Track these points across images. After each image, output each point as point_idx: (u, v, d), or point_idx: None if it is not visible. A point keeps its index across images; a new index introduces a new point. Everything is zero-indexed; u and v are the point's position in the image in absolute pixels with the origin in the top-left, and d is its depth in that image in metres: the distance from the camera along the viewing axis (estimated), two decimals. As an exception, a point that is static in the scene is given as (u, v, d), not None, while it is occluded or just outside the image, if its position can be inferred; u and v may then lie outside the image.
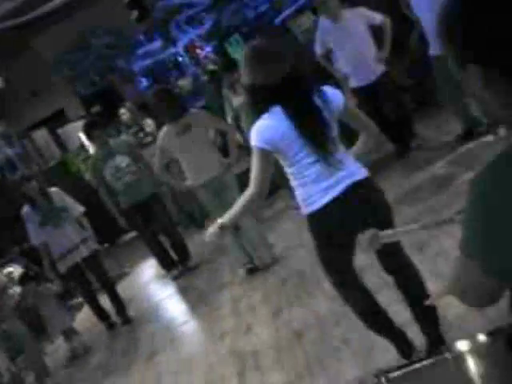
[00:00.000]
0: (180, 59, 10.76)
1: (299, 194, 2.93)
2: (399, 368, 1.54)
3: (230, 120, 6.91)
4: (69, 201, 6.24)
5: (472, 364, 1.47)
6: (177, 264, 6.91)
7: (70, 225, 6.13)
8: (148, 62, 10.38)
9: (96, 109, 10.28)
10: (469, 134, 6.02)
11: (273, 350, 4.17)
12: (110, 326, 6.39)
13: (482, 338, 1.46)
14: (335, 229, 2.93)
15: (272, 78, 2.76)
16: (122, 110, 8.93)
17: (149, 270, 7.81)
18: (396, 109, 6.65)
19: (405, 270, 3.16)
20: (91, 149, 9.36)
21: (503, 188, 1.17)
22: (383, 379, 1.52)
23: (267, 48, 2.87)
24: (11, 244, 8.26)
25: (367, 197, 2.92)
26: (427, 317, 3.14)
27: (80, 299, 7.33)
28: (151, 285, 7.35)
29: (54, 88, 10.20)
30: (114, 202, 6.58)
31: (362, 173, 2.93)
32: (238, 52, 10.10)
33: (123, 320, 6.35)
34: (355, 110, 3.10)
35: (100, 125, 6.74)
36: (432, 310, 3.04)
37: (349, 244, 2.88)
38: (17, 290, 6.83)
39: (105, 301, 6.48)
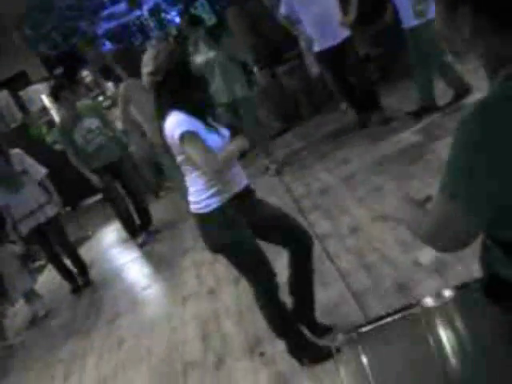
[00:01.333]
0: (145, 22, 10.61)
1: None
2: (369, 323, 1.60)
3: None
4: (30, 162, 6.14)
5: (441, 318, 1.53)
6: (140, 229, 6.91)
7: (31, 187, 6.06)
8: (112, 24, 10.21)
9: (59, 71, 10.09)
10: (425, 110, 6.12)
11: (234, 314, 4.23)
12: (74, 289, 6.38)
13: (448, 292, 1.52)
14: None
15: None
16: (85, 73, 8.80)
17: (111, 234, 7.81)
18: (359, 80, 6.70)
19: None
20: (54, 112, 9.23)
21: (490, 128, 1.22)
22: (354, 334, 1.58)
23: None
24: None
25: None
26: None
27: (42, 262, 7.30)
28: (114, 248, 7.34)
29: (16, 49, 9.97)
30: (84, 163, 6.50)
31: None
32: (203, 16, 10.03)
33: (85, 282, 6.37)
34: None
35: (67, 87, 6.64)
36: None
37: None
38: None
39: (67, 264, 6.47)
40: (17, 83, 10.78)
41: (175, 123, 2.78)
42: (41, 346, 5.55)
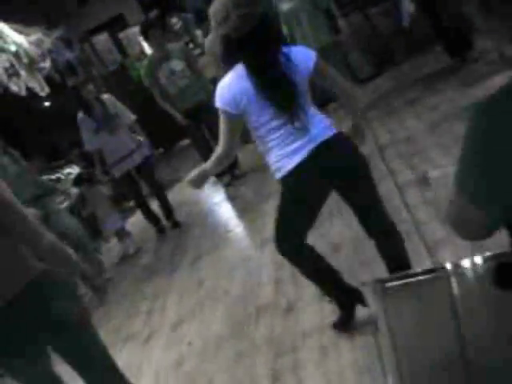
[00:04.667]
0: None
1: (269, 159, 2.85)
2: (396, 278, 1.59)
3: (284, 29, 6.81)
4: (121, 107, 6.33)
5: (463, 285, 1.51)
6: (226, 171, 7.04)
7: (123, 131, 6.27)
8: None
9: (154, 13, 10.23)
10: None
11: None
12: (160, 230, 6.63)
13: (478, 259, 1.49)
14: (304, 192, 2.85)
15: (241, 26, 2.54)
16: (174, 20, 8.87)
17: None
18: (453, 16, 6.38)
19: (388, 235, 3.07)
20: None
21: (503, 123, 1.16)
22: (379, 287, 1.57)
23: None
24: (72, 146, 8.53)
25: (336, 157, 2.80)
26: None
27: (132, 203, 7.60)
28: (202, 191, 7.51)
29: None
30: (169, 103, 6.65)
31: (330, 132, 2.81)
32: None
33: (172, 224, 6.60)
34: (326, 69, 2.80)
35: (157, 25, 6.75)
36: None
37: (315, 208, 2.95)
38: (74, 190, 7.13)
39: (155, 206, 6.72)
40: (115, 26, 11.04)
41: (304, 50, 2.77)
42: (128, 282, 5.85)
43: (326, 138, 2.79)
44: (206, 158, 6.92)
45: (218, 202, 6.81)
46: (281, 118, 2.70)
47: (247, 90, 2.63)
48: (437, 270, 1.48)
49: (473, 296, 1.45)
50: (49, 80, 8.36)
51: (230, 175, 7.02)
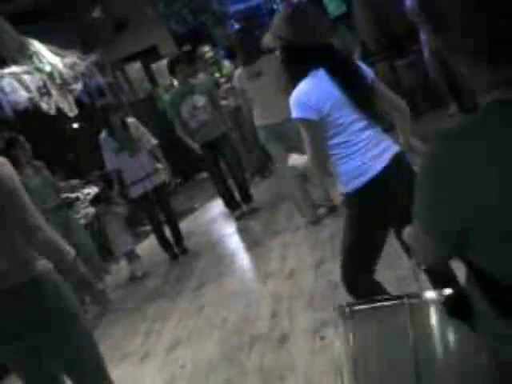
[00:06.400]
0: (275, 7, 10.78)
1: (344, 168, 2.68)
2: (362, 303, 1.68)
3: None
4: (144, 132, 6.54)
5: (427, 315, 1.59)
6: (240, 205, 7.18)
7: (143, 154, 6.46)
8: (242, 6, 10.48)
9: (187, 47, 10.53)
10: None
11: (307, 296, 4.37)
12: (173, 255, 6.75)
13: (444, 292, 1.57)
14: (384, 202, 2.68)
15: (320, 36, 2.61)
16: (206, 48, 9.17)
17: (216, 208, 8.10)
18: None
19: None
20: (176, 86, 9.68)
21: (454, 158, 1.22)
22: (347, 310, 1.66)
23: (311, 7, 2.72)
24: (93, 167, 8.73)
25: (407, 170, 2.69)
26: None
27: (146, 228, 7.74)
28: (214, 222, 7.66)
29: (148, 24, 10.50)
30: (189, 135, 6.85)
31: (398, 146, 2.78)
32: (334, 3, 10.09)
33: (180, 250, 6.73)
34: (379, 83, 2.81)
35: (184, 61, 7.00)
36: None
37: (388, 227, 2.78)
38: (91, 210, 7.31)
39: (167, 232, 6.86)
40: (148, 56, 11.36)
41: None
42: (131, 303, 5.98)
43: (398, 150, 2.74)
44: (220, 191, 7.14)
45: (227, 234, 6.93)
46: (365, 119, 2.67)
47: (330, 93, 2.60)
48: (399, 298, 1.58)
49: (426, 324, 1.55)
50: (78, 102, 8.64)
51: (241, 209, 7.15)
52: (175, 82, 9.40)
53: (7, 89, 7.33)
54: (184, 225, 7.54)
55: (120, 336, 5.16)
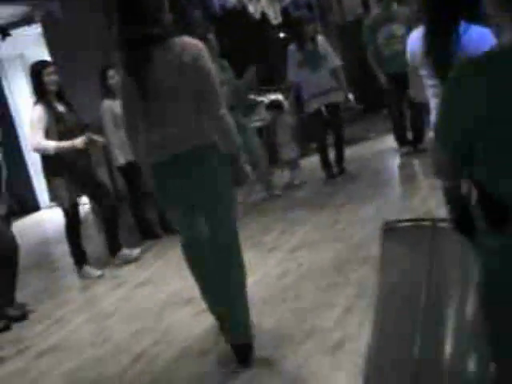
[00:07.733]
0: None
1: None
2: (400, 221, 1.88)
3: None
4: (330, 51, 6.74)
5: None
6: (410, 142, 7.20)
7: (325, 72, 6.70)
8: None
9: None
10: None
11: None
12: (331, 175, 6.98)
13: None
14: None
15: None
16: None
17: (388, 142, 8.12)
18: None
19: None
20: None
21: (469, 80, 1.41)
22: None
23: None
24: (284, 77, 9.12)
25: None
26: None
27: (312, 145, 7.93)
28: (380, 154, 7.75)
29: None
30: (380, 64, 6.93)
31: None
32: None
33: (339, 170, 7.01)
34: None
35: None
36: None
37: None
38: (267, 115, 7.71)
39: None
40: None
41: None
42: (276, 206, 6.49)
43: None
44: (396, 127, 7.14)
45: (388, 167, 7.08)
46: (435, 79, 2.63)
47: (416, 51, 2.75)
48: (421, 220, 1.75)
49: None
50: (285, 13, 8.98)
51: (409, 147, 7.18)
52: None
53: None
54: (353, 149, 7.78)
55: (257, 229, 5.66)
